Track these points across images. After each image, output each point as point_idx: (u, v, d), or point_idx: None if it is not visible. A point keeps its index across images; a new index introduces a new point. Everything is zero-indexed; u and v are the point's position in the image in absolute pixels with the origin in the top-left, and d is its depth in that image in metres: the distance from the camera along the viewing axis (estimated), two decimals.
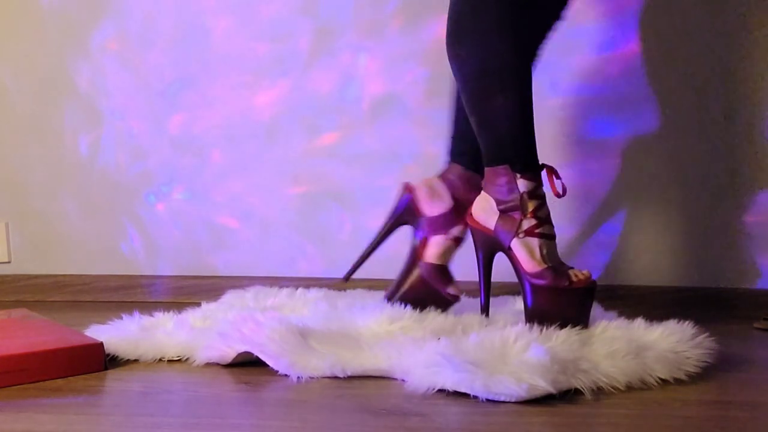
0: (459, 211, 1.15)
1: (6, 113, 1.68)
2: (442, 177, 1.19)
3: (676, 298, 1.40)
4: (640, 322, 1.02)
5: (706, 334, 0.97)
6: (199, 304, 1.28)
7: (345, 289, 1.41)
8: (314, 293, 1.37)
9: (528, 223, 1.03)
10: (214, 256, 1.61)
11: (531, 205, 1.03)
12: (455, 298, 1.15)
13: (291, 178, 1.57)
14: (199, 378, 0.94)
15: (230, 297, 1.37)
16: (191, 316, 1.20)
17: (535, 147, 1.06)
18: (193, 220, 1.62)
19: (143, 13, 1.60)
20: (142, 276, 1.64)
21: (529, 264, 1.02)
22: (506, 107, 1.03)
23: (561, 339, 0.93)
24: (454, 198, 1.16)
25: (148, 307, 1.34)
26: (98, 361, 0.98)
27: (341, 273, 1.27)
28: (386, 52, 1.51)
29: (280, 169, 1.57)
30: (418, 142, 1.49)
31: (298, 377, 0.91)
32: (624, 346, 0.90)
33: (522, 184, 1.04)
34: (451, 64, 1.08)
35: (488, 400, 0.81)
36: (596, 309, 1.19)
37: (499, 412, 0.78)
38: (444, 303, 1.14)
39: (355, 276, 1.33)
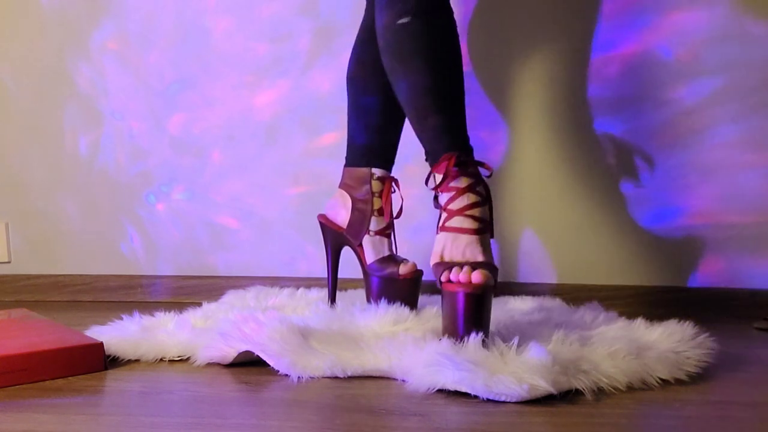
0: (359, 206, 1.21)
1: (6, 113, 1.68)
2: (340, 186, 1.25)
3: (676, 298, 1.40)
4: (640, 322, 1.02)
5: (706, 334, 0.97)
6: (199, 304, 1.28)
7: (346, 289, 1.41)
8: (315, 293, 1.37)
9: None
10: (214, 256, 1.61)
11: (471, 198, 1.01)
12: (412, 274, 1.17)
13: (291, 178, 1.57)
14: (200, 378, 0.94)
15: (231, 297, 1.37)
16: (192, 316, 1.20)
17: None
18: (193, 220, 1.62)
19: (143, 13, 1.60)
20: (142, 276, 1.64)
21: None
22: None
23: (561, 339, 0.93)
24: (352, 197, 1.22)
25: (148, 307, 1.34)
26: (98, 361, 0.98)
27: (340, 273, 1.28)
28: None
29: (280, 169, 1.57)
30: (418, 142, 1.49)
31: (299, 377, 0.91)
32: (624, 347, 0.90)
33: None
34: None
35: (488, 400, 0.81)
36: (596, 309, 1.19)
37: (500, 412, 0.78)
38: (408, 286, 1.16)
39: (355, 276, 1.34)
